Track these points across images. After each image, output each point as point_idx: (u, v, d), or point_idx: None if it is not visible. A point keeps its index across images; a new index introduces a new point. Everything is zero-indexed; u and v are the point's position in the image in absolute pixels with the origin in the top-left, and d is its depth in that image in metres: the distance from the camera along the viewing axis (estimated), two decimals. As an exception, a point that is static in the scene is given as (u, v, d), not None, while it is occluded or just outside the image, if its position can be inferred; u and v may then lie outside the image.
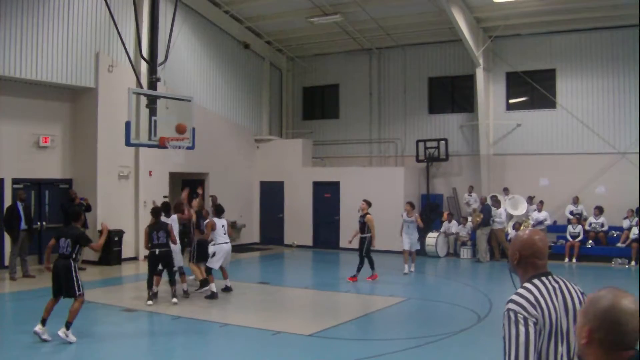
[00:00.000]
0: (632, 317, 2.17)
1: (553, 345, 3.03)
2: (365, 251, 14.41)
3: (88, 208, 16.21)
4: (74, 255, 8.92)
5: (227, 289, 12.84)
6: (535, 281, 3.12)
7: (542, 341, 3.00)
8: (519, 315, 2.99)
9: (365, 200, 14.78)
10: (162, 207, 12.67)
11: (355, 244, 14.90)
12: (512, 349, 2.96)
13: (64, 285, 8.83)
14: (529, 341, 2.95)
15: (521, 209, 19.23)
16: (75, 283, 8.80)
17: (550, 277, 3.19)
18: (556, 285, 3.15)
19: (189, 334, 9.44)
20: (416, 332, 9.72)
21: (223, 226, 12.57)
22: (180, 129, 12.63)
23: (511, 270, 3.31)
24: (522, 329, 2.96)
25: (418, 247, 16.02)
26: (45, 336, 8.64)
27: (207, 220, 12.69)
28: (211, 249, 12.53)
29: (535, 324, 2.98)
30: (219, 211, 12.76)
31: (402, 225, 15.78)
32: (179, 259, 12.38)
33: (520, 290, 3.09)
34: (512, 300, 3.05)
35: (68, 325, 8.68)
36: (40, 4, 15.51)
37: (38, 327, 8.73)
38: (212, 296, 12.10)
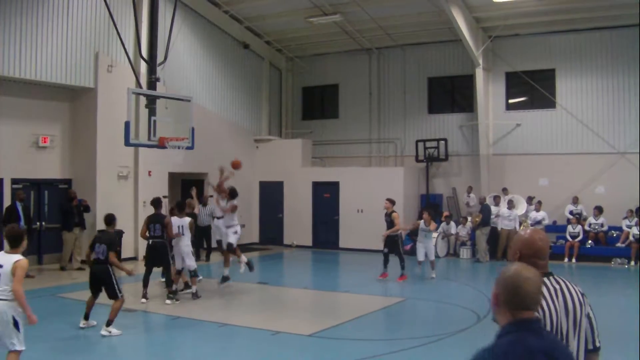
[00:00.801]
0: (529, 282, 2.62)
1: None
2: (397, 248, 14.48)
3: (87, 209, 16.20)
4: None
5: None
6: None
7: None
8: None
9: (388, 199, 14.79)
10: (176, 205, 12.75)
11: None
12: None
13: (106, 290, 9.34)
14: None
15: (520, 209, 19.22)
16: (115, 287, 9.26)
17: (551, 278, 3.19)
18: (557, 287, 3.18)
19: (188, 334, 9.43)
20: (416, 332, 9.71)
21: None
22: (235, 165, 13.51)
23: None
24: None
25: (433, 258, 15.12)
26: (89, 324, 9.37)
27: (230, 202, 13.29)
28: (231, 229, 13.32)
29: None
30: (234, 194, 13.38)
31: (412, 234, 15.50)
32: (191, 264, 12.21)
33: None
34: None
35: (109, 323, 9.13)
36: (39, 4, 15.48)
37: (82, 323, 9.41)
38: (250, 267, 13.36)
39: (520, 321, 2.59)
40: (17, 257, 6.22)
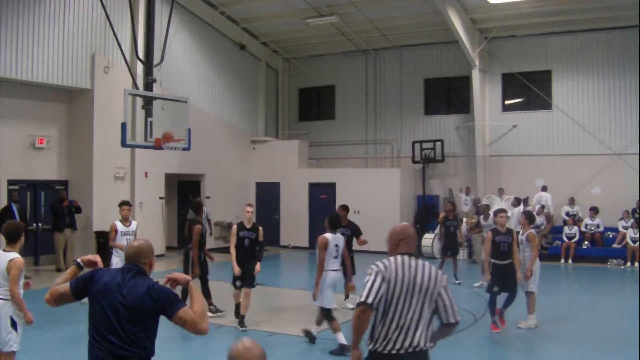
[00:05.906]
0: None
1: (400, 305, 4.07)
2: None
3: (78, 210, 16.15)
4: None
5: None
6: (397, 257, 4.20)
7: (391, 298, 4.07)
8: (374, 270, 4.13)
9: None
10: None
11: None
12: (365, 290, 4.10)
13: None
14: (374, 286, 4.08)
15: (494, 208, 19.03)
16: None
17: (412, 258, 4.19)
18: (413, 264, 4.15)
19: (184, 336, 9.41)
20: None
21: (336, 246, 8.69)
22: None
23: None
24: (377, 279, 4.10)
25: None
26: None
27: (320, 237, 8.71)
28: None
29: (383, 277, 4.07)
30: (334, 223, 8.81)
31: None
32: None
33: (382, 260, 4.19)
34: (373, 264, 4.19)
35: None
36: (36, 5, 15.46)
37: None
38: (341, 350, 8.30)
39: None
40: (13, 255, 5.96)
